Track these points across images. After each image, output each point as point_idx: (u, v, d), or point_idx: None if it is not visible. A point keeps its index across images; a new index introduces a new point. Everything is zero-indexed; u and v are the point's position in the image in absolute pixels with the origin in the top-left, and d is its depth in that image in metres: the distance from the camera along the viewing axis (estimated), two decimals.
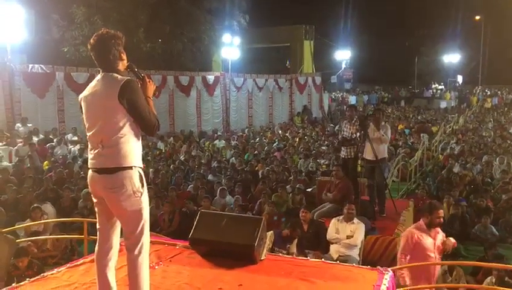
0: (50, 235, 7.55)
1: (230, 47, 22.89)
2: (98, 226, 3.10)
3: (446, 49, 45.29)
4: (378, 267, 3.87)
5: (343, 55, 37.28)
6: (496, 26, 43.00)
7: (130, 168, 2.90)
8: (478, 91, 40.97)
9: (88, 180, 3.04)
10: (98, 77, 2.99)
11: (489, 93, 40.53)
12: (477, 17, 43.88)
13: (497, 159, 13.24)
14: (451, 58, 44.57)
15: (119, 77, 2.90)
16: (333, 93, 35.59)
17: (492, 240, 8.30)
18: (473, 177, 11.62)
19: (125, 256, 3.00)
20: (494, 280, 6.07)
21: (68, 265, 4.01)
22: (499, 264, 5.72)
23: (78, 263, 4.04)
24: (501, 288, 5.65)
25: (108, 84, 2.90)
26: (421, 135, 19.24)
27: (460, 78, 45.85)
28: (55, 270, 3.90)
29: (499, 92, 40.30)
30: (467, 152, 15.07)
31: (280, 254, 5.19)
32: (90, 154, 2.99)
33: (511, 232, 8.86)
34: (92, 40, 2.95)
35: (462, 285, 6.52)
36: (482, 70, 45.16)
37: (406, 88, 42.94)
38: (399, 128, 21.21)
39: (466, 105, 35.19)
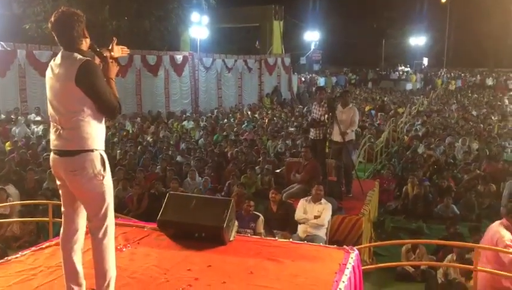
0: (15, 218, 7.39)
1: (199, 26, 22.58)
2: (62, 209, 3.05)
3: (413, 31, 46.01)
4: (345, 246, 3.95)
5: (312, 37, 37.35)
6: (461, 9, 43.84)
7: (91, 150, 2.85)
8: (443, 73, 41.91)
9: (50, 162, 2.97)
10: (59, 55, 2.90)
11: (453, 75, 41.51)
12: (443, 0, 44.58)
13: (460, 140, 13.64)
14: (418, 40, 45.33)
15: (79, 57, 2.82)
16: (302, 74, 35.70)
17: (454, 218, 8.59)
18: (437, 158, 11.95)
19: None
20: (454, 257, 6.30)
21: (33, 248, 3.94)
22: (459, 243, 5.93)
23: (43, 246, 3.97)
24: (460, 265, 5.89)
25: (66, 65, 2.82)
26: (379, 114, 19.67)
27: (426, 61, 46.75)
28: (19, 253, 3.83)
29: (462, 75, 41.32)
30: (431, 133, 15.46)
31: (248, 235, 5.23)
32: (51, 136, 2.93)
33: (471, 211, 9.19)
34: (52, 18, 2.85)
35: (425, 263, 6.75)
36: (447, 53, 46.12)
37: (374, 70, 43.51)
38: (366, 109, 21.54)
39: (431, 87, 35.97)
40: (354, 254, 3.74)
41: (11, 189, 8.45)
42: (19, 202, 7.55)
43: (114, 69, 3.02)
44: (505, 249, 4.73)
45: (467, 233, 7.29)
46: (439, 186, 10.16)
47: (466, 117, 19.19)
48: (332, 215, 6.78)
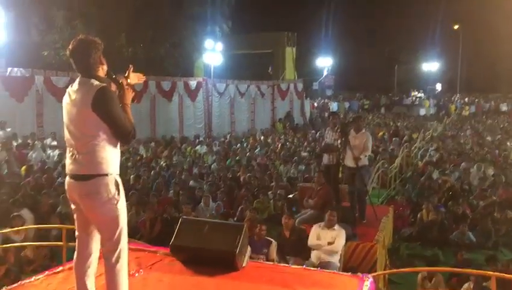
0: (28, 242, 7.42)
1: (213, 53, 22.90)
2: (76, 233, 3.07)
3: (425, 57, 46.11)
4: (359, 273, 3.90)
5: (324, 62, 37.62)
6: (474, 35, 43.89)
7: (106, 175, 2.88)
8: (456, 99, 41.72)
9: (65, 186, 3.01)
10: (77, 80, 2.97)
11: (467, 101, 41.30)
12: (456, 27, 44.73)
13: (475, 166, 13.48)
14: (431, 66, 45.37)
15: (95, 83, 2.88)
16: (315, 99, 35.84)
17: (470, 246, 8.44)
18: (452, 184, 11.81)
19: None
20: (472, 286, 6.16)
21: (47, 273, 3.94)
22: (477, 271, 5.81)
23: (57, 270, 3.97)
24: None
25: (83, 90, 2.88)
26: (393, 138, 19.56)
27: (439, 86, 46.66)
28: (33, 278, 3.83)
29: (476, 100, 41.09)
30: (445, 159, 15.31)
31: (261, 261, 5.19)
32: (67, 160, 2.97)
33: (488, 238, 9.01)
34: (70, 45, 2.94)
35: None
36: (460, 79, 46.01)
37: (386, 95, 43.52)
38: (379, 135, 21.46)
39: (445, 112, 35.77)
40: (368, 282, 3.69)
41: (25, 213, 8.51)
42: (33, 226, 7.59)
43: (130, 95, 3.07)
44: None
45: (483, 261, 7.14)
46: (455, 212, 10.01)
47: (481, 143, 19.00)
48: (346, 241, 6.70)
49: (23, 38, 19.55)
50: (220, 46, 23.71)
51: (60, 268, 4.02)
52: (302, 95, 27.84)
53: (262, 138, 20.67)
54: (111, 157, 2.92)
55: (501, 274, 4.84)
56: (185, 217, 5.12)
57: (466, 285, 6.27)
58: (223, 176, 12.36)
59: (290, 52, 29.22)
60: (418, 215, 9.81)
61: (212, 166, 14.17)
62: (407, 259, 8.28)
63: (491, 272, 4.96)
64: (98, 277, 3.10)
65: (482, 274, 5.66)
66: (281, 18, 39.35)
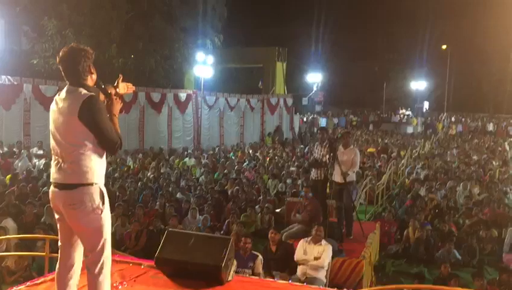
0: (11, 252, 7.29)
1: (204, 65, 22.96)
2: (59, 243, 3.02)
3: (414, 76, 46.69)
4: (345, 289, 3.88)
5: (314, 78, 37.88)
6: (462, 56, 44.64)
7: (91, 184, 2.85)
8: (443, 118, 42.22)
9: (49, 195, 2.97)
10: (65, 89, 2.95)
11: (454, 120, 41.81)
12: (444, 47, 45.47)
13: (461, 185, 13.60)
14: (419, 85, 45.92)
15: (83, 92, 2.86)
16: (304, 115, 36.02)
17: (455, 264, 8.47)
18: (438, 202, 11.88)
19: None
20: None
21: (28, 283, 3.87)
22: (459, 289, 5.81)
23: (38, 281, 3.91)
24: None
25: (71, 99, 2.86)
26: (381, 155, 19.68)
27: (426, 105, 47.20)
28: (14, 288, 3.76)
29: (463, 120, 41.61)
30: (432, 177, 15.42)
31: (246, 275, 5.15)
32: (52, 169, 2.94)
33: (473, 257, 9.06)
34: (61, 52, 2.92)
35: None
36: (448, 98, 46.62)
37: (375, 112, 43.90)
38: (367, 151, 21.58)
39: (432, 131, 36.15)
40: None
41: (9, 222, 8.38)
42: (15, 236, 7.47)
43: (118, 105, 3.05)
44: None
45: (469, 279, 7.16)
46: (441, 230, 10.06)
47: (467, 162, 19.19)
48: (333, 257, 6.69)
49: (12, 46, 19.48)
50: (211, 59, 23.80)
51: (42, 279, 3.95)
52: (291, 110, 27.97)
53: (251, 151, 20.68)
54: (96, 167, 2.89)
55: None
56: (171, 229, 5.08)
57: None
58: (210, 189, 12.31)
59: (280, 67, 29.43)
60: (405, 232, 9.83)
61: (200, 179, 14.11)
62: (393, 276, 8.29)
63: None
64: (80, 289, 3.05)
65: None
66: (271, 33, 39.74)
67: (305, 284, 4.68)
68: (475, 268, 8.41)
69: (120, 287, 3.81)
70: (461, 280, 7.09)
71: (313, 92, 38.03)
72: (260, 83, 31.49)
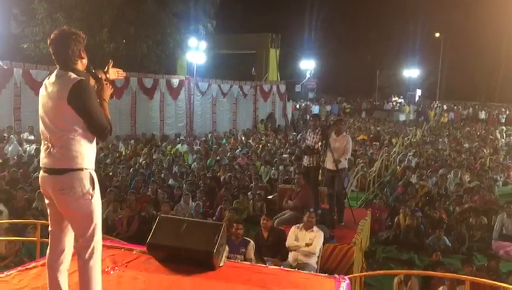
0: (2, 236, 7.26)
1: (196, 51, 22.79)
2: (49, 228, 3.01)
3: (407, 63, 46.73)
4: (335, 275, 3.91)
5: (307, 65, 37.79)
6: (455, 44, 44.72)
7: (81, 169, 2.82)
8: (436, 106, 42.39)
9: (39, 180, 2.95)
10: (54, 73, 2.91)
11: (446, 108, 41.99)
12: (437, 35, 45.49)
13: (452, 172, 13.70)
14: (411, 72, 46.00)
15: (73, 76, 2.82)
16: (297, 102, 35.99)
17: (444, 251, 8.56)
18: (429, 189, 11.98)
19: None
20: (446, 289, 6.24)
21: (19, 268, 3.86)
22: (451, 274, 5.88)
23: (29, 266, 3.90)
24: None
25: (60, 83, 2.82)
26: (373, 143, 19.77)
27: (419, 93, 47.33)
28: (5, 273, 3.75)
29: (455, 108, 41.81)
30: (423, 165, 15.52)
31: (238, 261, 5.18)
32: (42, 154, 2.91)
33: (462, 244, 9.16)
34: (52, 35, 2.88)
35: None
36: (440, 86, 46.78)
37: (367, 100, 43.97)
38: (359, 139, 21.65)
39: (424, 119, 36.30)
40: (344, 283, 3.70)
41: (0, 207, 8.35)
42: (6, 221, 7.44)
43: (108, 91, 3.02)
44: (497, 282, 4.70)
45: (458, 265, 7.25)
46: (431, 217, 10.15)
47: (458, 149, 19.32)
48: (324, 243, 6.73)
49: (2, 30, 19.18)
50: (203, 45, 23.61)
51: (33, 264, 3.94)
52: (284, 97, 27.92)
53: (243, 138, 20.66)
54: (86, 152, 2.86)
55: (475, 278, 4.92)
56: (163, 215, 5.07)
57: (441, 288, 6.36)
58: (203, 175, 12.31)
59: (273, 54, 29.29)
60: (395, 219, 9.91)
61: (193, 165, 14.10)
62: (383, 262, 8.36)
63: (466, 276, 5.04)
64: (71, 274, 3.05)
65: (456, 278, 5.74)
66: (265, 20, 39.42)
67: (296, 269, 4.70)
68: (464, 255, 8.51)
69: (112, 272, 3.81)
70: (450, 266, 7.17)
71: (306, 79, 37.98)
72: (253, 70, 31.36)
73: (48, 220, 3.05)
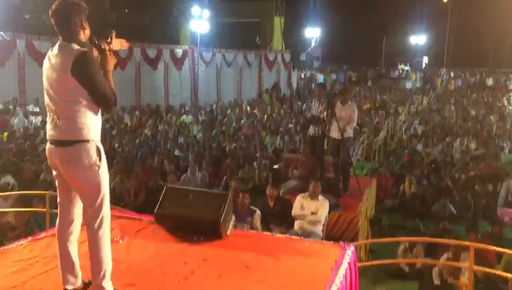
0: (12, 207, 7.38)
1: (200, 20, 22.49)
2: (58, 199, 3.04)
3: (414, 30, 45.89)
4: (341, 242, 3.95)
5: (313, 33, 37.26)
6: (463, 9, 43.80)
7: (87, 141, 2.83)
8: (443, 73, 41.90)
9: (46, 152, 2.96)
10: (57, 44, 2.88)
11: (453, 75, 41.50)
12: (445, 0, 44.52)
13: (458, 140, 13.65)
14: (418, 39, 45.24)
15: (76, 47, 2.80)
16: (302, 71, 35.65)
17: (450, 218, 8.62)
18: (435, 157, 11.97)
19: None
20: (450, 256, 6.31)
21: (29, 238, 3.93)
22: (455, 241, 5.94)
23: (40, 236, 3.96)
24: (456, 263, 5.91)
25: (63, 55, 2.80)
26: (379, 112, 19.65)
27: (426, 60, 46.70)
28: (16, 243, 3.82)
29: (462, 75, 41.32)
30: (429, 133, 15.47)
31: (245, 230, 5.24)
32: (48, 126, 2.92)
33: (467, 211, 9.21)
34: (53, 6, 2.84)
35: (420, 260, 6.78)
36: (447, 53, 46.10)
37: (373, 68, 43.47)
38: (365, 107, 21.53)
39: (430, 86, 35.94)
40: (350, 251, 3.74)
41: (8, 179, 8.44)
42: (16, 192, 7.54)
43: (112, 61, 2.99)
44: (501, 249, 4.74)
45: (463, 232, 7.31)
46: (437, 185, 10.18)
47: (465, 117, 19.21)
48: (329, 212, 6.79)
49: (3, 0, 18.93)
50: (207, 13, 23.27)
51: (43, 234, 4.01)
52: (289, 66, 27.67)
53: (248, 108, 20.60)
54: (92, 123, 2.86)
55: (479, 245, 4.97)
56: (169, 185, 5.12)
57: (445, 255, 6.43)
58: (208, 146, 12.34)
59: (278, 22, 28.86)
60: (401, 187, 9.95)
61: (198, 136, 14.12)
62: (388, 230, 8.45)
63: (470, 243, 5.09)
64: (81, 243, 3.10)
65: (461, 245, 5.80)
66: None
67: (302, 237, 4.76)
68: (469, 222, 8.57)
69: (121, 241, 3.88)
70: (455, 233, 7.24)
71: (312, 47, 37.51)
72: (257, 38, 30.99)
73: (56, 192, 3.08)
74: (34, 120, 14.02)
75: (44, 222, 5.87)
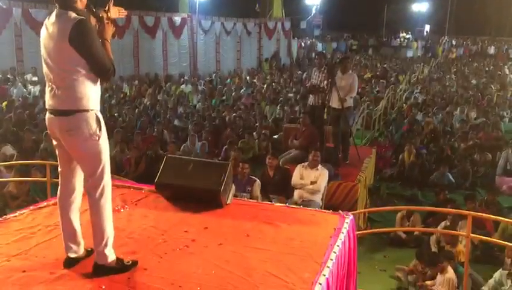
0: (12, 177, 7.42)
1: None
2: (59, 169, 3.05)
3: None
4: (340, 211, 3.99)
5: (313, 0, 36.63)
6: None
7: (87, 110, 2.82)
8: (444, 41, 41.44)
9: (46, 122, 2.95)
10: (54, 13, 2.83)
11: (454, 43, 41.06)
12: None
13: (458, 109, 13.62)
14: (420, 6, 44.55)
15: (73, 16, 2.75)
16: (302, 39, 35.22)
17: (448, 186, 8.68)
18: (434, 126, 11.96)
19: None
20: (448, 224, 6.39)
21: (31, 207, 3.96)
22: (453, 210, 6.01)
23: (41, 205, 3.99)
24: (453, 232, 5.99)
25: (60, 23, 2.75)
26: (380, 81, 19.52)
27: (427, 28, 46.10)
28: (18, 212, 3.85)
29: (464, 43, 40.87)
30: (429, 102, 15.41)
31: (245, 199, 5.28)
32: (47, 95, 2.90)
33: (466, 179, 9.27)
34: None
35: (418, 228, 6.86)
36: (449, 21, 45.45)
37: (374, 36, 42.96)
38: (365, 76, 21.39)
39: (432, 55, 35.62)
40: (349, 219, 3.78)
41: (8, 149, 8.46)
42: (17, 162, 7.56)
43: (110, 30, 2.95)
44: (498, 217, 4.79)
45: (461, 201, 7.38)
46: (436, 154, 10.21)
47: (465, 86, 19.10)
48: (329, 181, 6.83)
49: None
50: None
51: (45, 203, 4.04)
52: (289, 34, 27.33)
53: (248, 77, 20.46)
54: (91, 93, 2.84)
55: (477, 213, 5.02)
56: (170, 155, 5.13)
57: (443, 223, 6.51)
58: (208, 115, 12.31)
59: None
60: (400, 156, 9.98)
61: (197, 105, 14.08)
62: (387, 198, 8.52)
63: (468, 211, 5.14)
64: (83, 212, 3.13)
65: (459, 213, 5.86)
66: None
67: (301, 206, 4.80)
68: (468, 190, 8.63)
69: (122, 210, 3.91)
70: (453, 202, 7.31)
71: (312, 15, 36.94)
72: (257, 6, 30.46)
73: (56, 161, 3.09)
74: (32, 89, 13.95)
75: (45, 191, 5.91)
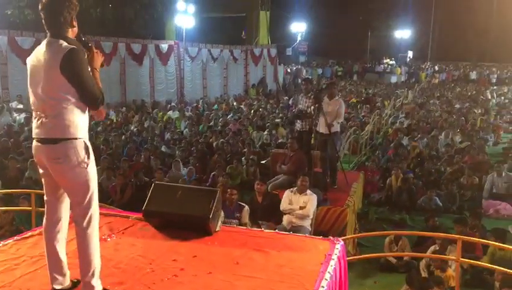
0: None
1: (185, 15, 22.33)
2: (45, 198, 3.00)
3: (398, 24, 46.25)
4: (330, 237, 3.97)
5: (298, 28, 37.31)
6: (446, 3, 44.14)
7: (75, 138, 2.80)
8: (427, 67, 42.25)
9: (33, 150, 2.92)
10: (44, 41, 2.84)
11: (437, 69, 41.86)
12: None
13: (443, 133, 13.79)
14: (403, 33, 45.59)
15: (64, 44, 2.76)
16: (288, 65, 35.67)
17: (436, 211, 8.70)
18: (420, 150, 12.07)
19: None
20: (437, 248, 6.38)
21: (15, 238, 3.87)
22: (443, 234, 6.01)
23: (26, 235, 3.91)
24: (443, 256, 5.97)
25: (52, 52, 2.76)
26: (364, 106, 19.75)
27: (410, 54, 47.06)
28: (1, 243, 3.76)
29: (446, 68, 41.69)
30: (414, 126, 15.60)
31: (234, 226, 5.23)
32: (34, 124, 2.87)
33: (453, 203, 9.31)
34: (44, 0, 2.79)
35: (408, 253, 6.84)
36: (432, 47, 46.48)
37: (359, 62, 43.68)
38: (350, 102, 21.63)
39: (415, 80, 36.23)
40: (339, 245, 3.76)
41: None
42: (1, 191, 7.41)
43: (99, 59, 2.97)
44: (489, 241, 4.80)
45: (450, 224, 7.39)
46: (423, 178, 10.27)
47: (449, 110, 19.40)
48: (318, 206, 6.81)
49: None
50: (192, 8, 23.11)
51: (30, 233, 3.95)
52: (275, 61, 27.64)
53: (235, 103, 20.55)
54: (79, 121, 2.83)
55: (468, 237, 5.02)
56: (157, 182, 5.08)
57: (432, 247, 6.50)
58: (195, 141, 12.28)
59: (263, 16, 28.79)
60: (388, 181, 10.02)
61: (185, 131, 14.05)
62: (375, 223, 8.51)
63: (458, 236, 5.14)
64: (69, 241, 3.06)
65: (448, 237, 5.86)
66: None
67: (291, 232, 4.77)
68: (455, 214, 8.66)
69: (109, 239, 3.84)
70: (441, 226, 7.32)
71: (297, 42, 37.53)
72: (243, 33, 30.87)
73: (42, 190, 3.04)
74: (17, 117, 13.82)
75: (29, 220, 5.79)
